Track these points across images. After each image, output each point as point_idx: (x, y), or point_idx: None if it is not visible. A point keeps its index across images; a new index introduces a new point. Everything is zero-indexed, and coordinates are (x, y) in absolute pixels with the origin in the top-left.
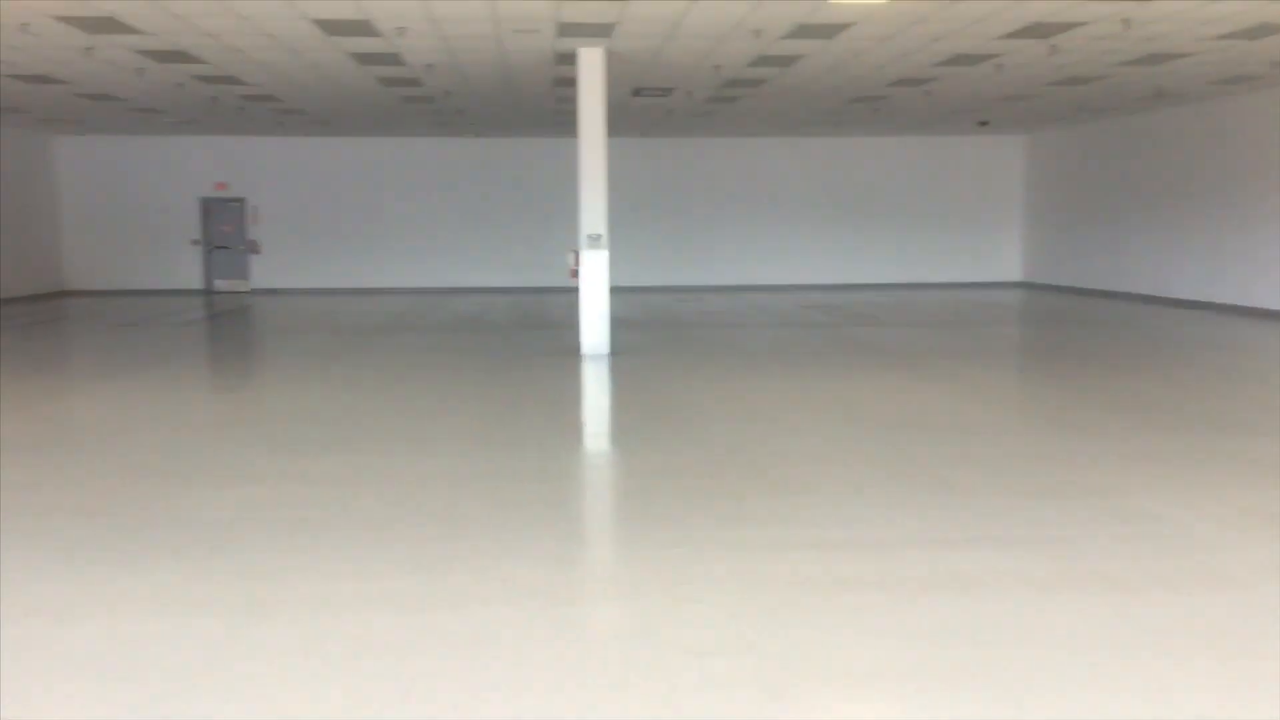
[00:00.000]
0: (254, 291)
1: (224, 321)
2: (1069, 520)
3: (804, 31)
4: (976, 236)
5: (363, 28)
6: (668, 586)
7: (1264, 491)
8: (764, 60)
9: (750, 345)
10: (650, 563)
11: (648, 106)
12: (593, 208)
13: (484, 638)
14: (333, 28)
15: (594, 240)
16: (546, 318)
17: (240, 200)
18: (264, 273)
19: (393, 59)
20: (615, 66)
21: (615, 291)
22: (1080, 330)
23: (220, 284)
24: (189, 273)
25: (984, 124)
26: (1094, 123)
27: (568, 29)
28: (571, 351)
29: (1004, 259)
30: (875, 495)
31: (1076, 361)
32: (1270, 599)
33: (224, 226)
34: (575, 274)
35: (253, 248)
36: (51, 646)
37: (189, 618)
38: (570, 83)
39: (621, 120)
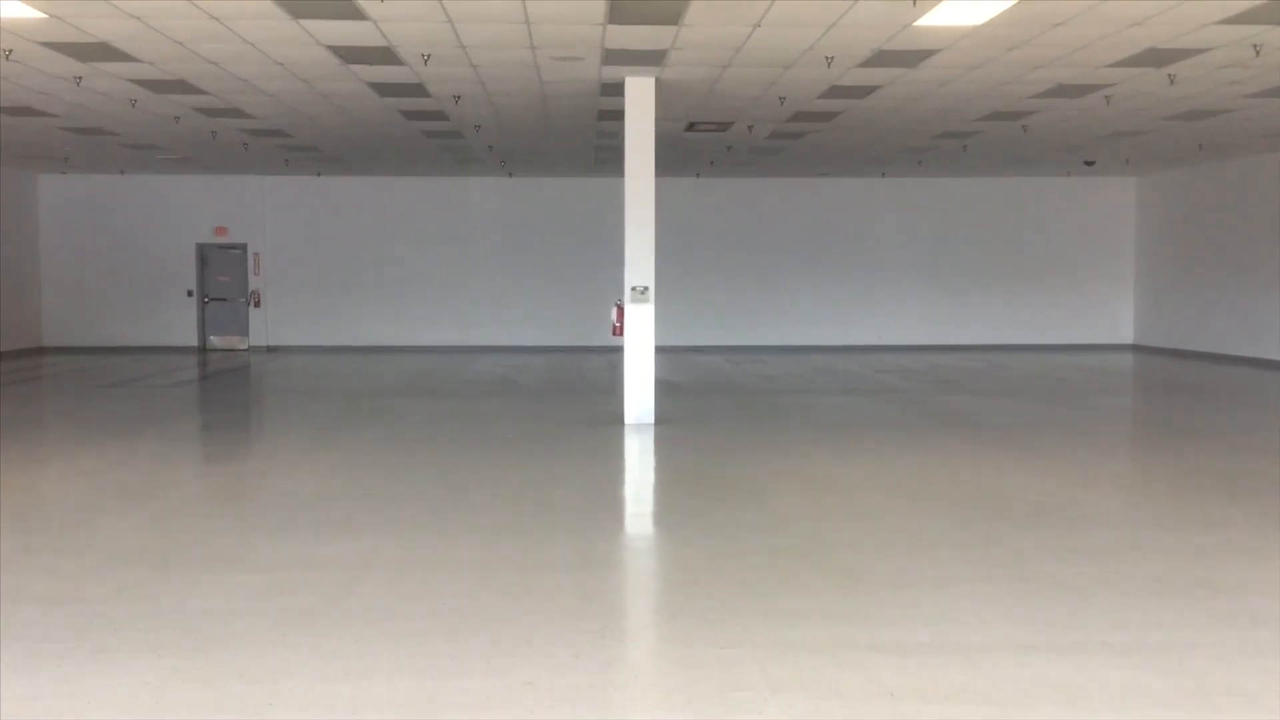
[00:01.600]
0: (252, 349)
1: (219, 383)
2: (1192, 624)
3: (883, 59)
4: (1080, 292)
5: (384, 55)
6: (722, 694)
7: None
8: (836, 91)
9: (816, 415)
10: (701, 666)
11: (702, 143)
12: (639, 256)
13: None
14: (351, 55)
15: (640, 293)
16: (585, 381)
17: (241, 247)
18: (265, 328)
19: (417, 90)
20: (667, 98)
21: (663, 351)
22: (1200, 401)
23: (215, 340)
24: (182, 328)
25: (1090, 164)
26: (1216, 162)
27: (614, 56)
28: (612, 420)
29: (1113, 318)
30: (962, 591)
31: (1196, 438)
32: None
33: (222, 276)
34: (619, 330)
35: (254, 300)
36: None
37: None
38: (616, 116)
39: (673, 158)
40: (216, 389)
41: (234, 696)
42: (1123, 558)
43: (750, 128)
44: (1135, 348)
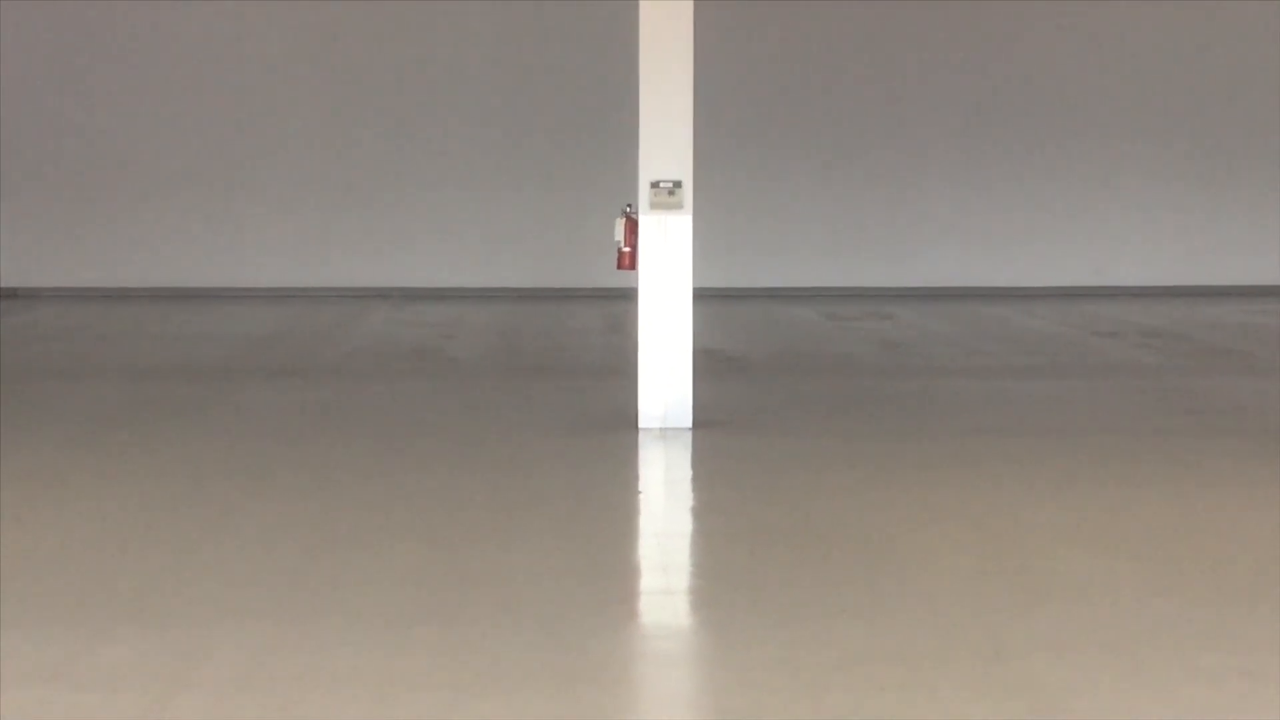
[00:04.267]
0: None
1: None
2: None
3: None
4: None
5: None
6: None
7: None
8: None
9: (988, 415)
10: None
11: None
12: (664, 129)
13: None
14: None
15: (666, 193)
16: (567, 351)
17: None
18: None
19: None
20: None
21: (707, 297)
22: None
23: None
24: None
25: None
26: None
27: None
28: (618, 422)
29: None
30: None
31: None
32: None
33: None
34: (627, 261)
35: None
36: None
37: None
38: None
39: None
40: None
41: None
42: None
43: None
44: None
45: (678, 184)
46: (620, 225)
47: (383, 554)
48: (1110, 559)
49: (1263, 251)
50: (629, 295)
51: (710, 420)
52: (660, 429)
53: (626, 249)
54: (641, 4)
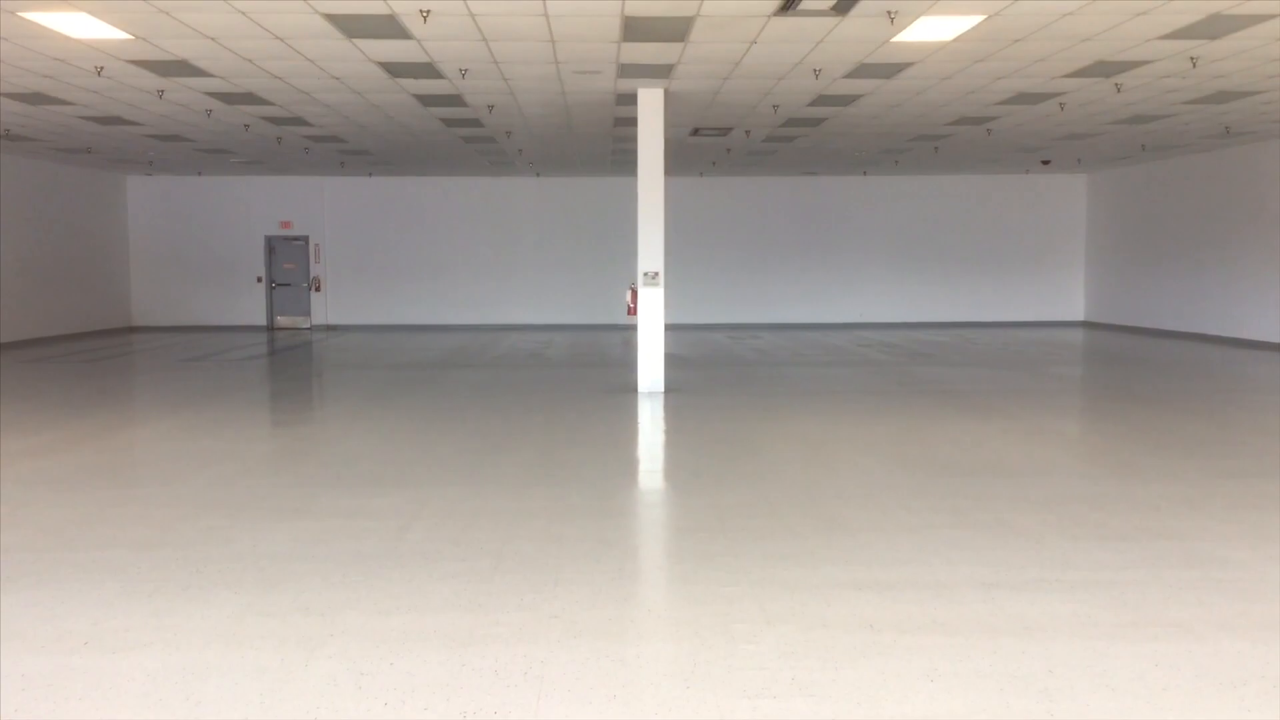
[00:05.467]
0: (313, 328)
1: (285, 358)
2: (1135, 564)
3: (864, 71)
4: (1039, 275)
5: (427, 70)
6: (722, 627)
7: None
8: (823, 99)
9: (807, 383)
10: (706, 603)
11: (706, 145)
12: (650, 245)
13: (533, 676)
14: (398, 70)
15: (651, 278)
16: (603, 355)
17: (304, 238)
18: (324, 309)
19: (455, 100)
20: (674, 106)
21: (672, 329)
22: (1143, 371)
23: (281, 320)
24: (252, 309)
25: (1046, 163)
26: (1158, 161)
27: (628, 70)
28: (628, 389)
29: (1066, 298)
30: (933, 536)
31: (1139, 404)
32: None
33: (287, 264)
34: (633, 311)
35: (315, 285)
36: (108, 675)
37: (243, 650)
38: (629, 122)
39: (680, 159)
40: (282, 363)
41: (299, 628)
42: (1073, 507)
43: (748, 132)
44: (1085, 324)
45: (657, 273)
46: (629, 293)
47: (514, 452)
48: (870, 454)
49: (941, 303)
50: (633, 327)
51: (673, 388)
52: (649, 392)
53: (632, 305)
54: (639, 180)
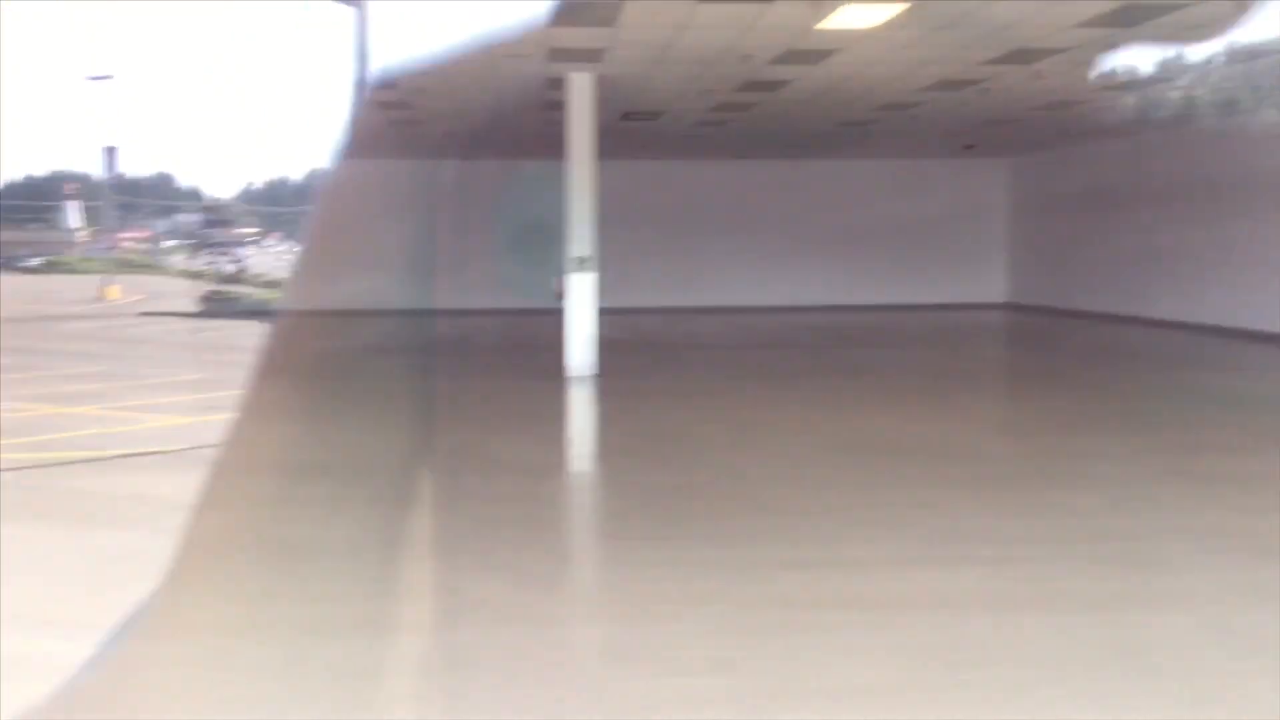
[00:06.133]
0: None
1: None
2: (1045, 540)
3: (792, 57)
4: (962, 258)
5: None
6: (648, 605)
7: (1240, 512)
8: (752, 85)
9: (737, 366)
10: (631, 581)
11: (637, 130)
12: (580, 230)
13: (462, 661)
14: None
15: (581, 263)
16: (531, 339)
17: None
18: None
19: None
20: (605, 91)
21: (606, 313)
22: (1059, 351)
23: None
24: None
25: (970, 147)
26: (1075, 146)
27: (559, 54)
28: (560, 373)
29: (989, 280)
30: (854, 516)
31: (1055, 382)
32: (1238, 618)
33: None
34: (560, 296)
35: None
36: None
37: None
38: (560, 106)
39: (611, 144)
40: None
41: None
42: (989, 486)
43: (679, 117)
44: (1007, 305)
45: (588, 257)
46: (554, 280)
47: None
48: (796, 436)
49: (869, 285)
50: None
51: (605, 372)
52: (580, 376)
53: (558, 290)
54: (570, 165)
